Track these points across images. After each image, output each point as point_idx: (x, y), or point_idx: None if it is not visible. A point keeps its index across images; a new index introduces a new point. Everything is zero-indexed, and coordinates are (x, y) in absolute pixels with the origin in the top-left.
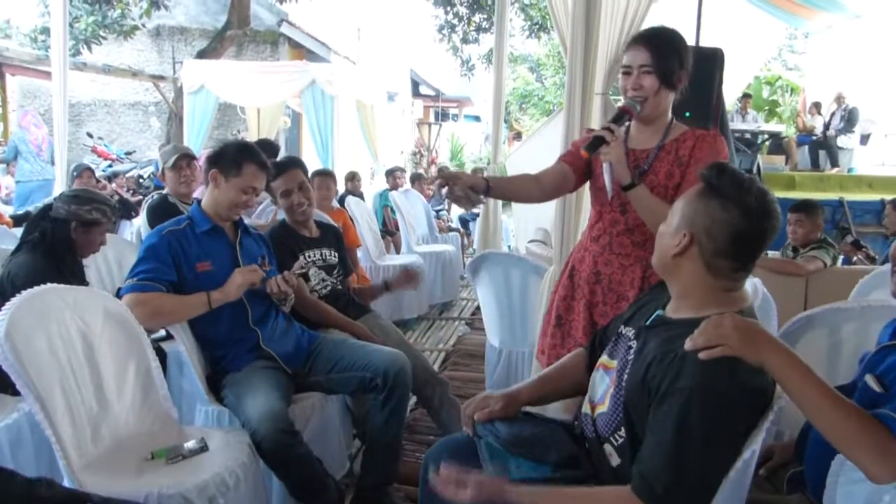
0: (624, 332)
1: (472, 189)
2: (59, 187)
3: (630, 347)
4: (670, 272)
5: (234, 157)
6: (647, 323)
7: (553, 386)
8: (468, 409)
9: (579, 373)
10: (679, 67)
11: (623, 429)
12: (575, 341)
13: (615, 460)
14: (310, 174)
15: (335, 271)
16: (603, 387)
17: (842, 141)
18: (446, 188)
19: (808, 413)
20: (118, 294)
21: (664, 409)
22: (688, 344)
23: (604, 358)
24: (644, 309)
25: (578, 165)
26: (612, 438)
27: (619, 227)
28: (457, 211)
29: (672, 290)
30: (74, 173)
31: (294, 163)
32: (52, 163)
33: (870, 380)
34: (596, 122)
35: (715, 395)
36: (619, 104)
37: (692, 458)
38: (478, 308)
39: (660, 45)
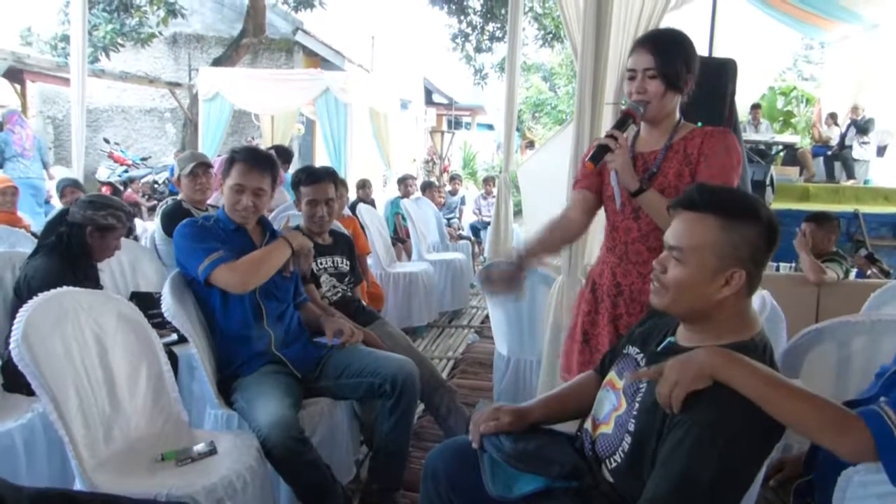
0: (630, 352)
1: (509, 278)
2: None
3: None
4: (707, 315)
5: (229, 160)
6: (659, 349)
7: (564, 406)
8: (477, 420)
9: (590, 394)
10: (685, 70)
11: (619, 453)
12: (602, 356)
13: (610, 479)
14: None
15: (346, 279)
16: (609, 406)
17: (857, 153)
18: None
19: (765, 406)
20: (203, 277)
21: (676, 440)
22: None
23: (611, 375)
24: (650, 331)
25: (594, 184)
26: (608, 461)
27: (633, 235)
28: (468, 219)
29: (694, 323)
30: (59, 187)
31: (330, 175)
32: (44, 163)
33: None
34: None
35: (729, 430)
36: (623, 108)
37: (701, 493)
38: (487, 316)
39: (664, 47)
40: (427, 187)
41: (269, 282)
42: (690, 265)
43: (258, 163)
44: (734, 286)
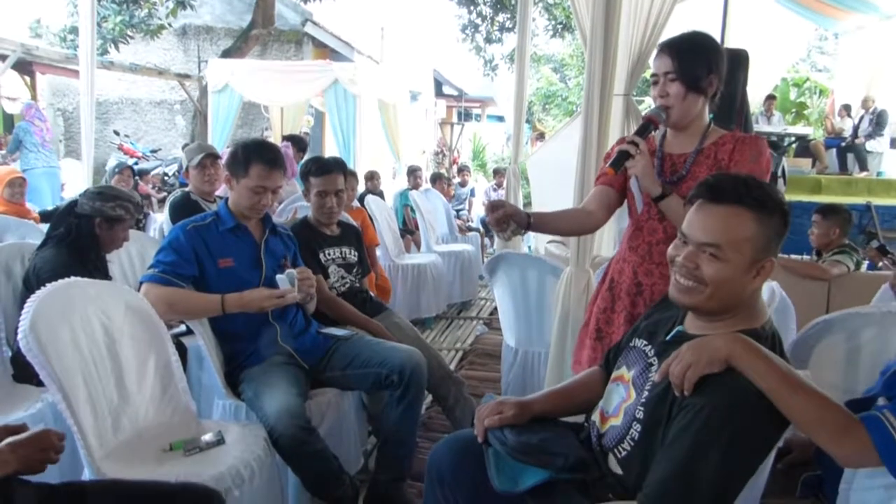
0: (637, 344)
1: (513, 218)
2: (86, 183)
3: (650, 364)
4: (736, 304)
5: (242, 159)
6: (668, 339)
7: (568, 401)
8: (481, 414)
9: (595, 390)
10: (707, 72)
11: (627, 441)
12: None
13: (618, 470)
14: None
15: (354, 270)
16: (618, 399)
17: (871, 145)
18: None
19: (773, 398)
20: (138, 283)
21: (684, 423)
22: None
23: (621, 370)
24: (657, 323)
25: (615, 181)
26: (615, 450)
27: (659, 236)
28: (477, 211)
29: (715, 315)
30: (116, 170)
31: (339, 167)
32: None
33: (882, 401)
34: (615, 124)
35: (738, 416)
36: (644, 113)
37: (706, 477)
38: (496, 308)
39: (683, 50)
40: (437, 179)
41: (272, 276)
42: (731, 261)
43: (277, 164)
44: (765, 275)
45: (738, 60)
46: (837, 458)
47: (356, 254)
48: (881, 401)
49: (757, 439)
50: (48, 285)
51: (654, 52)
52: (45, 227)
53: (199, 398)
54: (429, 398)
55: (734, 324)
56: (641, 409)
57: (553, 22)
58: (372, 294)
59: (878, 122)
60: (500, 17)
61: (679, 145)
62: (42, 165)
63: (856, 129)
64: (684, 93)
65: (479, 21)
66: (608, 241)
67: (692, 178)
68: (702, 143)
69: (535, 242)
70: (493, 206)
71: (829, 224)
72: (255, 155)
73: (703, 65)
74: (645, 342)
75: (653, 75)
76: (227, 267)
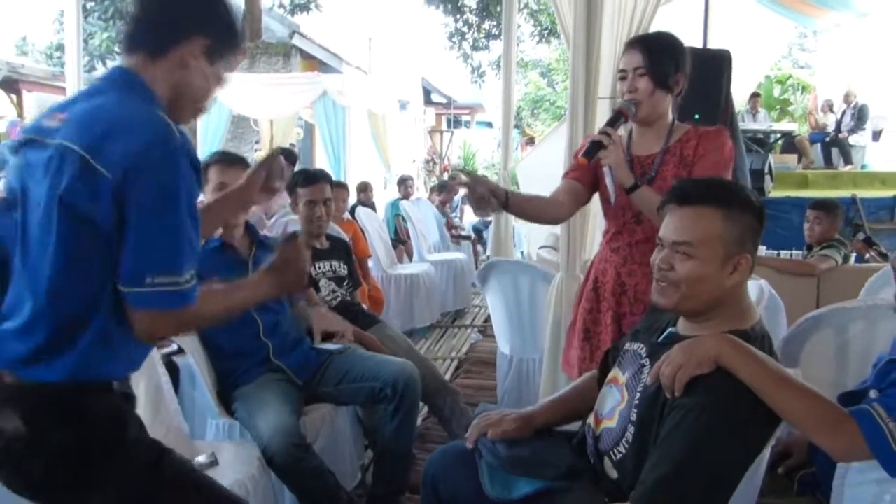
0: (632, 347)
1: (493, 194)
2: None
3: (643, 366)
4: (715, 306)
5: (204, 169)
6: (660, 340)
7: (569, 408)
8: (481, 423)
9: (594, 394)
10: (675, 70)
11: (622, 444)
12: (604, 354)
13: (613, 474)
14: None
15: (345, 283)
16: (612, 402)
17: (853, 139)
18: (467, 187)
19: (764, 397)
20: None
21: (674, 423)
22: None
23: (614, 372)
24: (650, 325)
25: (584, 177)
26: (611, 453)
27: (638, 237)
28: (469, 219)
29: (699, 316)
30: None
31: (325, 177)
32: None
33: (873, 394)
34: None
35: (728, 415)
36: (615, 107)
37: (697, 477)
38: (490, 316)
39: (653, 47)
40: (442, 188)
41: None
42: (701, 258)
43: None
44: (742, 271)
45: (722, 60)
46: (830, 452)
47: (346, 267)
48: (872, 393)
49: (748, 436)
50: None
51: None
52: None
53: (192, 417)
54: (424, 409)
55: (723, 324)
56: (635, 410)
57: (539, 28)
58: (364, 306)
59: (860, 116)
60: (486, 25)
61: (645, 146)
62: None
63: (839, 123)
64: (653, 89)
65: (465, 29)
66: (598, 246)
67: (661, 178)
68: (667, 141)
69: (528, 247)
70: (473, 184)
71: (832, 219)
72: (211, 158)
73: (672, 62)
74: (639, 344)
75: (621, 70)
76: None
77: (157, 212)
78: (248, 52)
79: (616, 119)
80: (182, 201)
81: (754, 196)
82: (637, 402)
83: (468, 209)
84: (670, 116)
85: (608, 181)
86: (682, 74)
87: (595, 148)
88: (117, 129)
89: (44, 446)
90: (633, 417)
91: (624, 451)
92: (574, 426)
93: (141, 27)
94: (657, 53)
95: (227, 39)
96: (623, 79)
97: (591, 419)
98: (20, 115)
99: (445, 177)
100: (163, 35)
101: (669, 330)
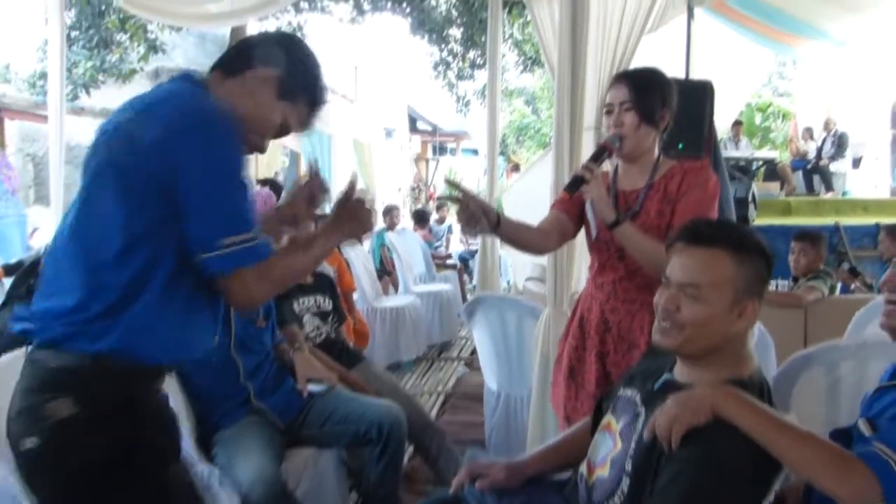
0: (626, 393)
1: (485, 214)
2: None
3: (638, 415)
4: (717, 350)
5: None
6: (656, 387)
7: (561, 456)
8: (470, 468)
9: (587, 442)
10: (661, 105)
11: (617, 495)
12: (588, 393)
13: None
14: None
15: (329, 318)
16: (605, 449)
17: (834, 166)
18: (459, 202)
19: (766, 446)
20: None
21: (672, 475)
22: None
23: (608, 418)
24: (646, 371)
25: (571, 209)
26: None
27: (621, 273)
28: (456, 248)
29: (699, 360)
30: None
31: None
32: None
33: (862, 424)
34: (586, 157)
35: (727, 467)
36: (599, 141)
37: None
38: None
39: (640, 82)
40: (421, 217)
41: (243, 335)
42: (710, 301)
43: None
44: (748, 317)
45: (705, 91)
46: (839, 497)
47: (331, 301)
48: (861, 422)
49: (747, 488)
50: (7, 355)
51: (610, 82)
52: (8, 281)
53: None
54: (410, 449)
55: (722, 370)
56: (630, 461)
57: (523, 57)
58: (349, 344)
59: (840, 143)
60: (471, 54)
61: (630, 181)
62: (12, 214)
63: (819, 150)
64: (638, 123)
65: (450, 59)
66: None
67: (645, 214)
68: (652, 177)
69: (514, 277)
70: (466, 200)
71: (818, 250)
72: None
73: (658, 98)
74: (634, 391)
75: (607, 104)
76: None
77: (211, 175)
78: None
79: (600, 154)
80: (234, 164)
81: (764, 242)
82: (633, 452)
83: (454, 238)
84: (656, 152)
85: (590, 216)
86: (668, 110)
87: (577, 182)
88: (162, 99)
89: (101, 427)
90: (629, 468)
91: (620, 502)
92: (566, 473)
93: (226, 54)
94: (644, 88)
95: (302, 81)
96: (609, 113)
97: (583, 467)
98: (1, 143)
99: (431, 205)
100: (240, 59)
101: (665, 376)
